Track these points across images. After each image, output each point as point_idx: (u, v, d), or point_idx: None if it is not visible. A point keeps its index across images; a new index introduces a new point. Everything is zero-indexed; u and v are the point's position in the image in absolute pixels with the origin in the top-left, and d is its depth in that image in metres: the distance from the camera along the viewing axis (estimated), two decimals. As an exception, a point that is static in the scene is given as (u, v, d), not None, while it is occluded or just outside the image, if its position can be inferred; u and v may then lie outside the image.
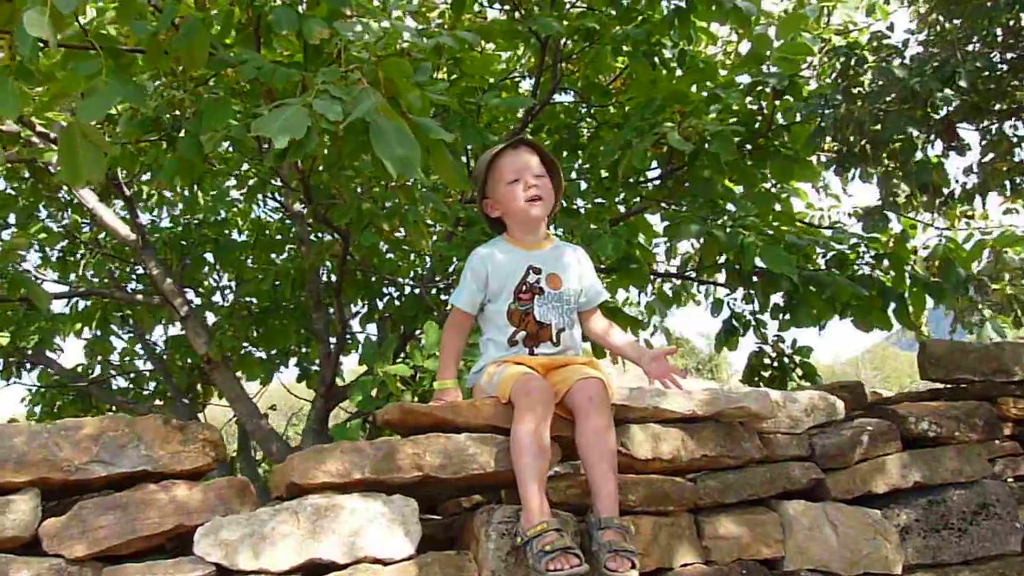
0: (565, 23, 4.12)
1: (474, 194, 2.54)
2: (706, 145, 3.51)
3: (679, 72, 4.35)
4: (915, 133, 2.96)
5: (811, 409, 2.67)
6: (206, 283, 5.43)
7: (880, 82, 3.02)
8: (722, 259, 4.30)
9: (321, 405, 4.21)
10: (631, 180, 4.02)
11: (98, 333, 4.93)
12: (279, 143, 1.82)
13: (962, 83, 2.82)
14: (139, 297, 4.36)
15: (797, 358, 5.17)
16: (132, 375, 5.78)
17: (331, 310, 4.13)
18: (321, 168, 3.09)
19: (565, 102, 4.66)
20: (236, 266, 4.62)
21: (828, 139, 3.76)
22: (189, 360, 5.24)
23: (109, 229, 4.05)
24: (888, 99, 3.05)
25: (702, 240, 3.75)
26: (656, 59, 4.35)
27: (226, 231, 5.10)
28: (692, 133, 3.39)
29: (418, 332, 3.40)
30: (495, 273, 2.40)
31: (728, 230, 3.36)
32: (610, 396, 2.24)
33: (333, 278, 4.35)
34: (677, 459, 2.37)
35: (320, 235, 4.52)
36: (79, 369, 5.62)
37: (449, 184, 2.42)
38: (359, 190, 3.17)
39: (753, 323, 5.30)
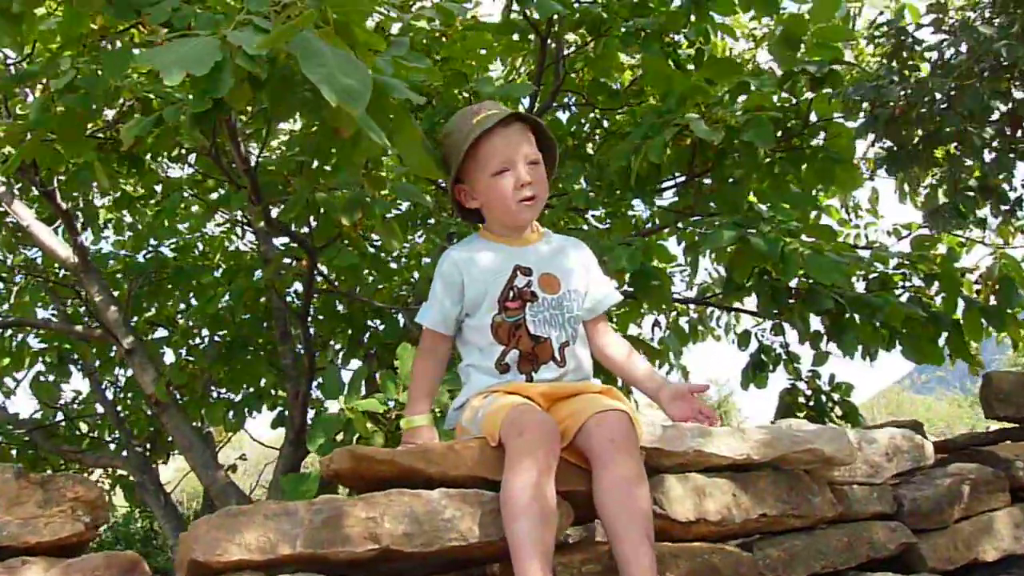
0: (568, 13, 3.63)
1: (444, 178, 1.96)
2: (735, 141, 2.98)
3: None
4: (1002, 108, 2.42)
5: (893, 452, 2.08)
6: (181, 322, 4.89)
7: (954, 50, 2.48)
8: (749, 281, 3.75)
9: (290, 453, 3.62)
10: (647, 188, 3.48)
11: (33, 372, 4.34)
12: (171, 78, 1.29)
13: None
14: (78, 328, 3.80)
15: (835, 396, 4.58)
16: (95, 421, 5.18)
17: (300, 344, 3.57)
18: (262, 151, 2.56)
19: (569, 108, 4.15)
20: (197, 294, 4.05)
21: (873, 135, 3.21)
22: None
23: (47, 250, 3.51)
24: (960, 72, 2.51)
25: (732, 253, 3.18)
26: (671, 60, 3.86)
27: (201, 262, 4.55)
28: (721, 125, 2.86)
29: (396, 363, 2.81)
30: (473, 279, 1.83)
31: (767, 236, 2.80)
32: (638, 436, 1.66)
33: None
34: (727, 520, 1.77)
35: (296, 259, 3.97)
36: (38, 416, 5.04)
37: (416, 170, 1.86)
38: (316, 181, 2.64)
39: (784, 357, 4.72)
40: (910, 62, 2.78)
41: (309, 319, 3.64)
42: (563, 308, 1.84)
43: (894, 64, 2.67)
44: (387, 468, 1.57)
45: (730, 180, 3.21)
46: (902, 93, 2.48)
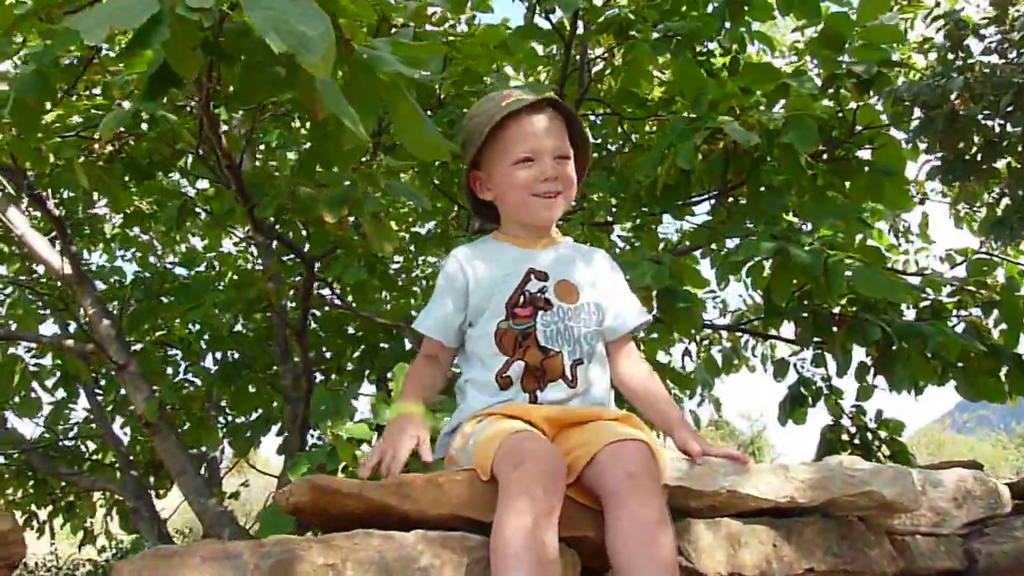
0: (592, 14, 3.41)
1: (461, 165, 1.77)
2: (773, 146, 2.71)
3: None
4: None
5: (963, 497, 1.77)
6: (192, 344, 4.67)
7: (1017, 52, 2.20)
8: (788, 305, 3.45)
9: (288, 481, 3.37)
10: (676, 202, 3.21)
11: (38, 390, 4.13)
12: (92, 37, 1.07)
13: None
14: (69, 343, 3.62)
15: (883, 434, 4.21)
16: (102, 442, 4.97)
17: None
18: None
19: (594, 118, 3.91)
20: (197, 311, 3.84)
21: (926, 141, 2.92)
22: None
23: (42, 260, 3.34)
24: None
25: (771, 271, 2.90)
26: (704, 70, 3.62)
27: (215, 280, 4.31)
28: (758, 128, 2.59)
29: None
30: (479, 282, 1.62)
31: (808, 249, 2.51)
32: (661, 472, 1.38)
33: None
34: (767, 575, 1.48)
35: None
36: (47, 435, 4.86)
37: (418, 151, 1.63)
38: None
39: (826, 391, 4.38)
40: (968, 59, 2.49)
41: (313, 337, 3.42)
42: (580, 321, 1.60)
43: (950, 57, 2.39)
44: (354, 503, 1.31)
45: (767, 189, 2.93)
46: (962, 83, 2.19)
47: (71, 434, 4.35)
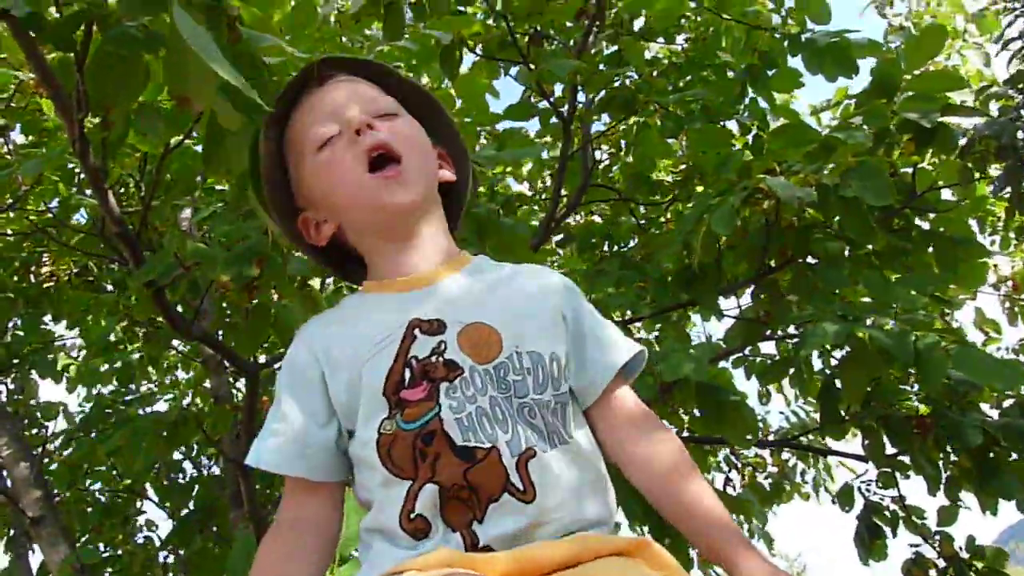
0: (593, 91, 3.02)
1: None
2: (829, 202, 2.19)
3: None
4: None
5: None
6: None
7: None
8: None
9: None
10: (705, 290, 2.65)
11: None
12: None
13: None
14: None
15: (979, 564, 3.43)
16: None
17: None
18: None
19: (602, 203, 3.44)
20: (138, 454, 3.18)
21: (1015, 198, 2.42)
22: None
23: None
24: None
25: (839, 363, 2.31)
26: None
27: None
28: (810, 181, 2.09)
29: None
30: (339, 363, 0.99)
31: (887, 330, 1.93)
32: None
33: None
34: None
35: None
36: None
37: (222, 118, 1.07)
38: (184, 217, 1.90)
39: (902, 515, 3.64)
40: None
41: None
42: (512, 385, 0.94)
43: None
44: None
45: (822, 261, 2.39)
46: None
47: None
